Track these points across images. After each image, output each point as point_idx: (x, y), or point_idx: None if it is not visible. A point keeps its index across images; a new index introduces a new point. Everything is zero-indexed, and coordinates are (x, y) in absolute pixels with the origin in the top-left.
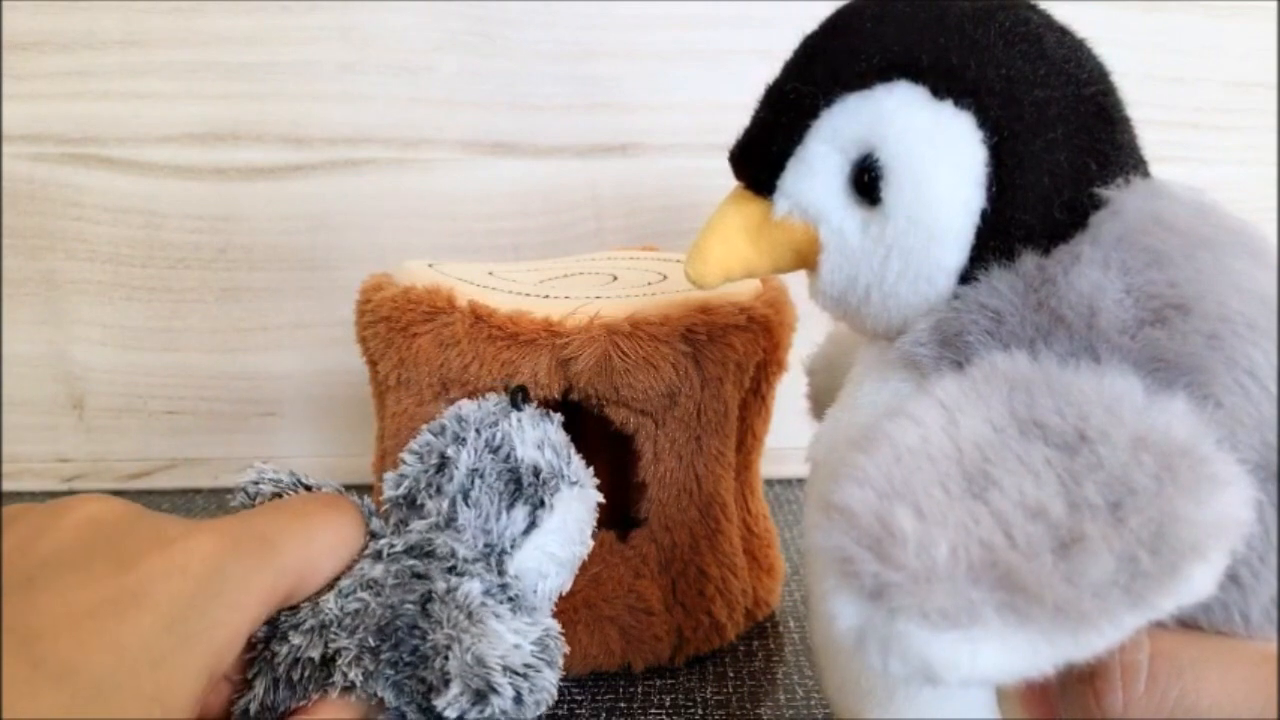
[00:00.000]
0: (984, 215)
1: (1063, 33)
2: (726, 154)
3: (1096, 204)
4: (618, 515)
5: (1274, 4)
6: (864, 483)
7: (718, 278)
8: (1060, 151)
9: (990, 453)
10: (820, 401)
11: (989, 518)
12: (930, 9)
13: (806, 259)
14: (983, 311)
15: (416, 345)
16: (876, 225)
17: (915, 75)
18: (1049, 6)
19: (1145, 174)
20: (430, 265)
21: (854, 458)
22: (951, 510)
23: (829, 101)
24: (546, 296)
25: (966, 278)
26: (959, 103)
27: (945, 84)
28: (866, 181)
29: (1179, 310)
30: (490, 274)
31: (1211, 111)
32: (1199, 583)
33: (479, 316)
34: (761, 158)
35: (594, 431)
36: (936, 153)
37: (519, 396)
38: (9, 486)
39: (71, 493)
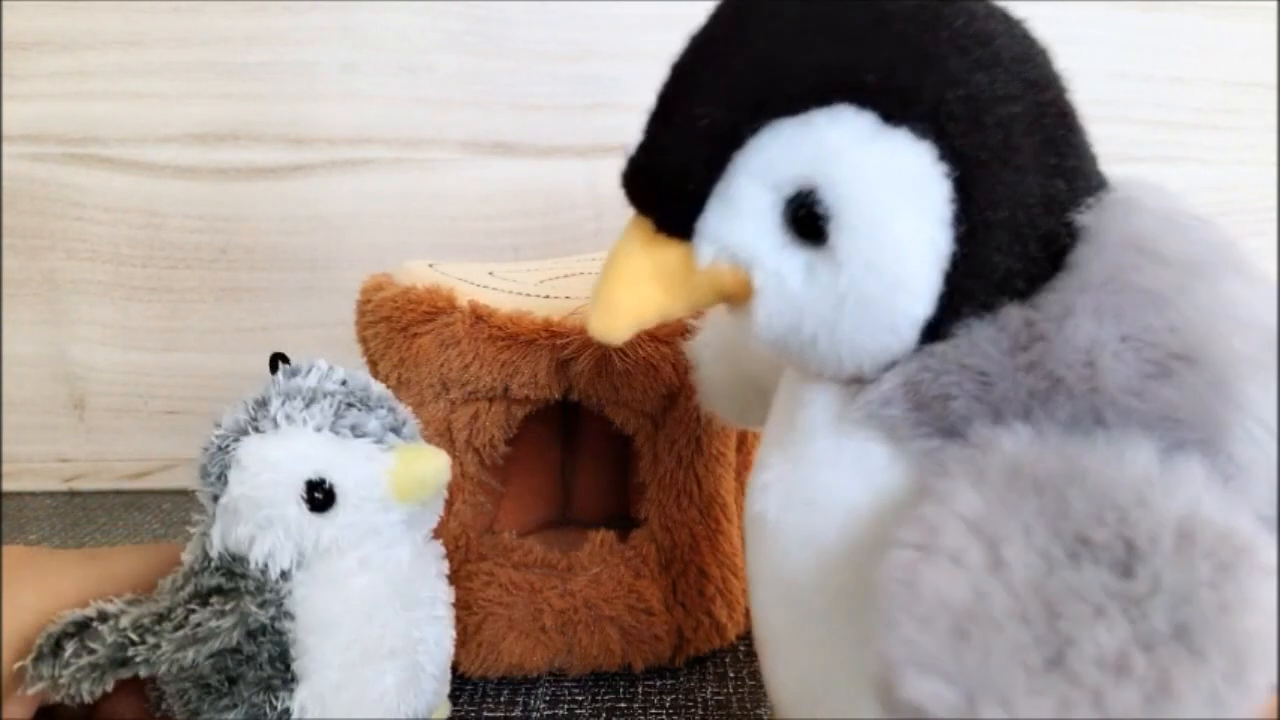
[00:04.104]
0: (953, 259)
1: (1007, 22)
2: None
3: (1072, 234)
4: (618, 515)
5: (1274, 4)
6: (931, 669)
7: (629, 330)
8: (1030, 177)
9: (1051, 597)
10: (714, 396)
11: (1079, 695)
12: (863, 8)
13: (733, 299)
14: (965, 373)
15: (417, 345)
16: (826, 270)
17: (860, 98)
18: (1057, 10)
19: (1100, 174)
20: (431, 265)
21: (901, 624)
22: (1040, 695)
23: (755, 129)
24: (547, 297)
25: (937, 327)
26: (915, 129)
27: (898, 107)
28: (805, 217)
29: (1184, 361)
30: (490, 274)
31: (1211, 111)
32: (1266, 687)
33: (479, 317)
34: (674, 196)
35: (594, 431)
36: (894, 191)
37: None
38: (9, 486)
39: (72, 493)
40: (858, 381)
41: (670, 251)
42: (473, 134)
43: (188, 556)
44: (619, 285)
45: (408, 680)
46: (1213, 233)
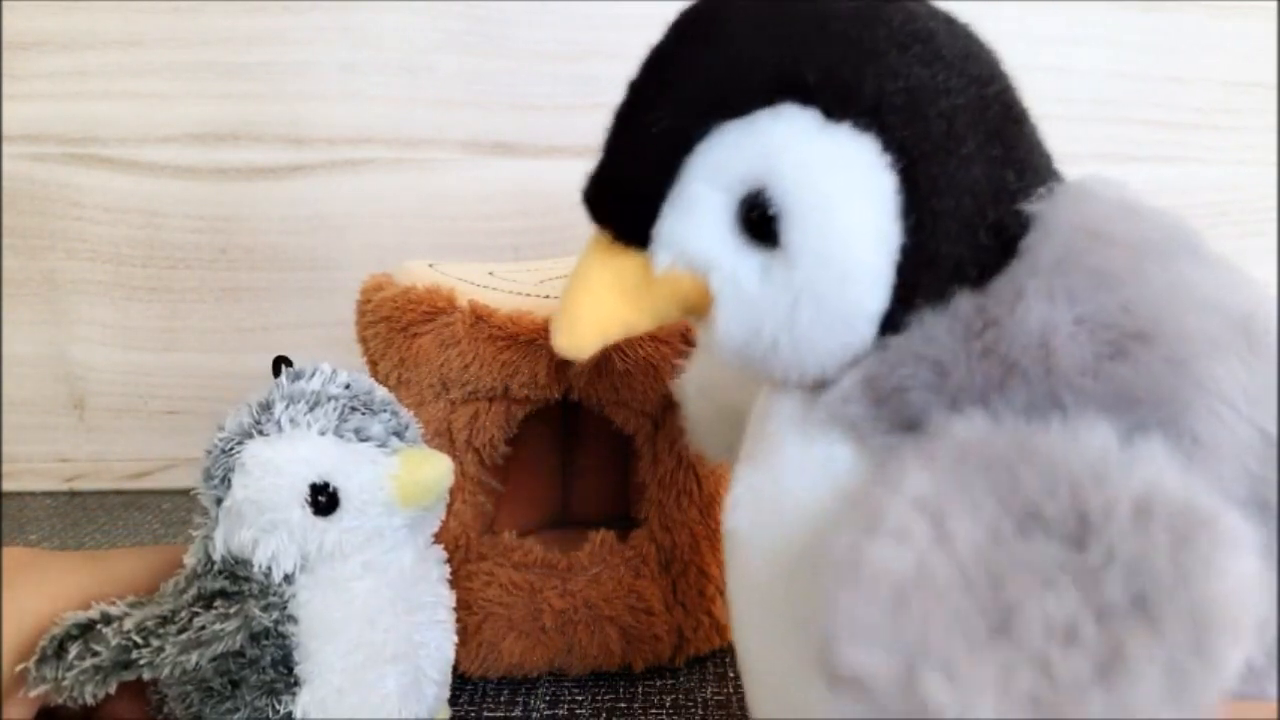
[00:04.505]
0: (904, 250)
1: (950, 23)
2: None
3: (1023, 223)
4: (618, 515)
5: (1274, 4)
6: (869, 640)
7: (593, 345)
8: (976, 167)
9: (997, 567)
10: (700, 431)
11: (1024, 662)
12: (805, 11)
13: (695, 309)
14: (920, 363)
15: (417, 345)
16: (780, 269)
17: (802, 95)
18: (1055, 8)
19: (1054, 170)
20: (431, 265)
21: (842, 600)
22: (983, 662)
23: (703, 133)
24: (547, 297)
25: (893, 321)
26: (858, 124)
27: (839, 103)
28: (758, 220)
29: (1139, 339)
30: (490, 274)
31: (1211, 111)
32: (1235, 663)
33: (479, 317)
34: (629, 204)
35: (594, 431)
36: (840, 184)
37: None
38: (9, 486)
39: (72, 493)
40: (823, 387)
41: (628, 261)
42: (473, 134)
43: (190, 559)
44: (580, 299)
45: (409, 685)
46: (1167, 218)
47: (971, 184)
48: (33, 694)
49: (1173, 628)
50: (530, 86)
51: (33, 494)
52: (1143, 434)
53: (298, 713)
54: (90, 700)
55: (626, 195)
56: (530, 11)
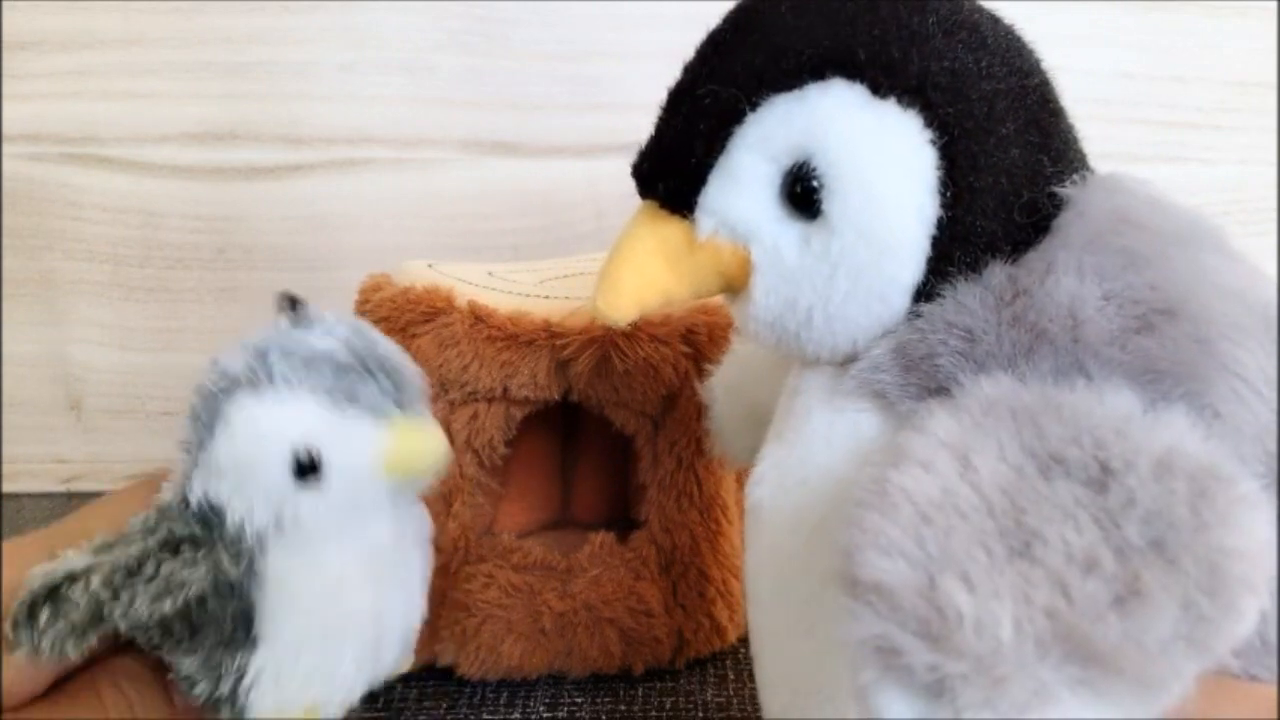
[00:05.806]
0: (940, 224)
1: (995, 20)
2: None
3: (1057, 204)
4: (618, 517)
5: (1274, 4)
6: (892, 551)
7: (632, 311)
8: (1014, 149)
9: (1019, 499)
10: (726, 433)
11: (1044, 579)
12: None
13: (733, 282)
14: (951, 331)
15: (416, 346)
16: (819, 240)
17: (851, 71)
18: (1055, 8)
19: (1087, 163)
20: (430, 265)
21: (866, 519)
22: (1002, 576)
23: (754, 104)
24: (546, 297)
25: (925, 293)
26: (902, 100)
27: (886, 80)
28: (801, 192)
29: (1166, 315)
30: (490, 274)
31: (1211, 111)
32: (1250, 617)
33: (479, 317)
34: (677, 172)
35: (594, 432)
36: (883, 157)
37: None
38: (7, 488)
39: (70, 494)
40: (852, 363)
41: (672, 227)
42: (473, 134)
43: (166, 495)
44: (623, 262)
45: (368, 654)
46: (1194, 214)
47: (1009, 164)
48: (14, 655)
49: (1189, 569)
50: (530, 86)
51: (30, 495)
52: (1166, 404)
53: (251, 671)
54: (75, 656)
55: (675, 162)
56: (530, 11)
